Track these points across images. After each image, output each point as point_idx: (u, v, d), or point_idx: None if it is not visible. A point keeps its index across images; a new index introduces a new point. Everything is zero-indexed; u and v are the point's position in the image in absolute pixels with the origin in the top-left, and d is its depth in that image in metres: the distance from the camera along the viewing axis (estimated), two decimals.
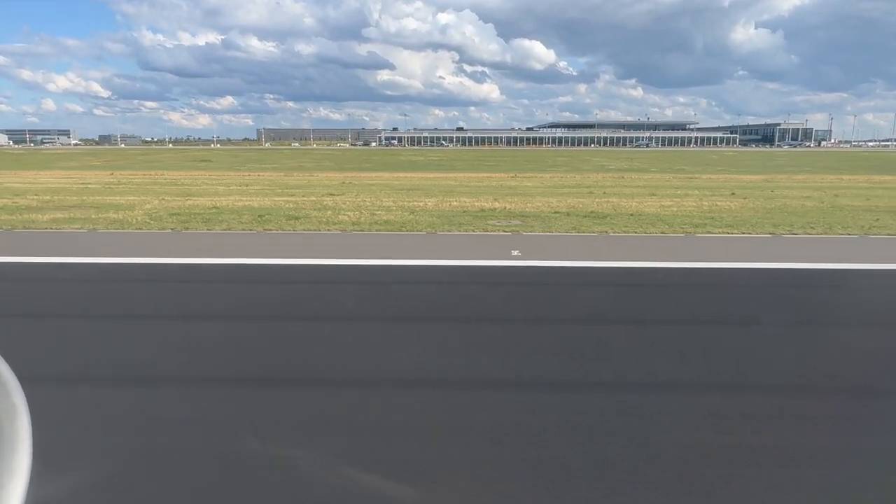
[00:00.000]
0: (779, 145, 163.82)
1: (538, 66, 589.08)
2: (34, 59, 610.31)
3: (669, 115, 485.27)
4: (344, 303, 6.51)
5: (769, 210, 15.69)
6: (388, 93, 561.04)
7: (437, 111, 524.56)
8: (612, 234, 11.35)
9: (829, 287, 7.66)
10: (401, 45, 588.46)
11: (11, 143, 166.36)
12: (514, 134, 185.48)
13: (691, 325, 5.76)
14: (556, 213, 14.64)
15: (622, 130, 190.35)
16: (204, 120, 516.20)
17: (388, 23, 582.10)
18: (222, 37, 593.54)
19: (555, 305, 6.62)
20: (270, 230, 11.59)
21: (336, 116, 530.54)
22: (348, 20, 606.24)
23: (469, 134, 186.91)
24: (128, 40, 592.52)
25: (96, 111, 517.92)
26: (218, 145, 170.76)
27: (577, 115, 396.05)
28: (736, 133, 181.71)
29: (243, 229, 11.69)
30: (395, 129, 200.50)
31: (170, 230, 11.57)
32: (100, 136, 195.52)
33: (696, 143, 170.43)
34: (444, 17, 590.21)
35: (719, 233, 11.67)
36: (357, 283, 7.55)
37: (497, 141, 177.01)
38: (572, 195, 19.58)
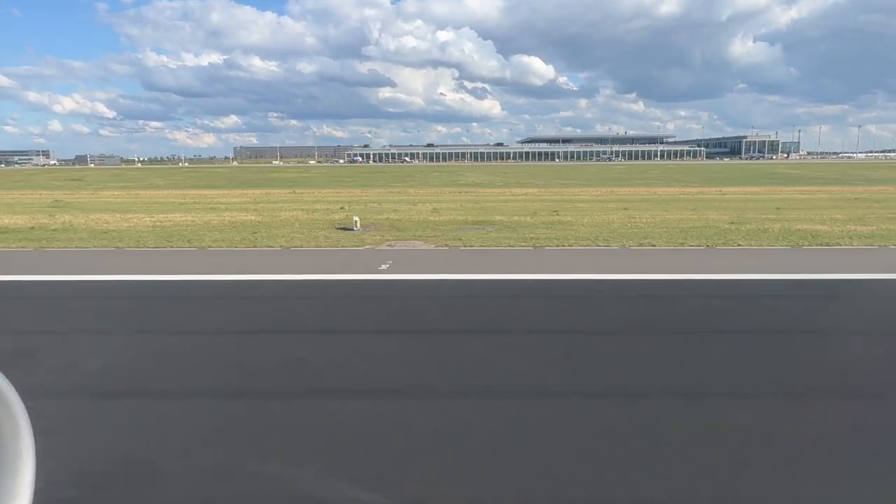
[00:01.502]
0: (744, 157, 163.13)
1: (538, 82, 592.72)
2: (40, 81, 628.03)
3: (671, 128, 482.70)
4: None
5: (278, 223, 15.89)
6: (390, 110, 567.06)
7: (439, 127, 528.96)
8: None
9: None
10: (401, 62, 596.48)
11: None
12: (480, 150, 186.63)
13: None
14: (66, 227, 15.06)
15: (595, 145, 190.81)
16: (209, 139, 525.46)
17: (388, 41, 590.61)
18: (225, 57, 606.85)
19: None
20: None
21: (339, 134, 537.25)
22: (349, 39, 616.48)
23: (437, 150, 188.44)
24: (132, 61, 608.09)
25: (102, 132, 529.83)
26: (186, 164, 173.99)
27: (578, 130, 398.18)
28: (703, 146, 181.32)
29: None
30: (365, 146, 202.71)
31: None
32: (76, 157, 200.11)
33: (661, 156, 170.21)
34: (444, 35, 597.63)
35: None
36: None
37: (464, 156, 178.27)
38: (243, 210, 19.99)
